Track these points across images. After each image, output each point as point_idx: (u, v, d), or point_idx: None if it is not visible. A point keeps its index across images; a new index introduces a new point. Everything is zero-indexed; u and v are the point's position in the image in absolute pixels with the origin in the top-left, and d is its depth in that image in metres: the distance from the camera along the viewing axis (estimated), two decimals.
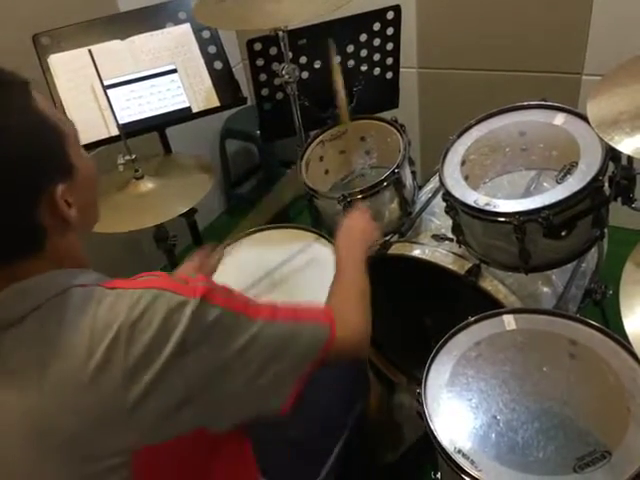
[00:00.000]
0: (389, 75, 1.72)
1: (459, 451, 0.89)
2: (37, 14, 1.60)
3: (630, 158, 1.11)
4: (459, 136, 1.26)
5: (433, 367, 1.04)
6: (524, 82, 1.98)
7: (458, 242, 1.27)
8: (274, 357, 0.72)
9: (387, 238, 1.41)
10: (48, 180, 0.65)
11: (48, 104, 0.68)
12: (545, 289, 1.34)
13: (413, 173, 1.43)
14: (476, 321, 1.09)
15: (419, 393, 0.99)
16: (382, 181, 1.29)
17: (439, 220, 1.43)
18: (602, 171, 1.05)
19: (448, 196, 1.17)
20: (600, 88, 0.95)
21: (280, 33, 1.39)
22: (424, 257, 1.32)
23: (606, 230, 1.52)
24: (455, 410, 0.97)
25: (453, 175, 1.21)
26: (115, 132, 1.35)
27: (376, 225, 1.16)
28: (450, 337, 1.07)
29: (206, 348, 0.65)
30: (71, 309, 0.64)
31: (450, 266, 1.29)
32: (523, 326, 1.08)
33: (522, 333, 1.07)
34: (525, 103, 1.24)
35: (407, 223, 1.41)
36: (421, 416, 0.96)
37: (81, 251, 0.72)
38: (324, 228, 1.44)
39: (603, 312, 1.42)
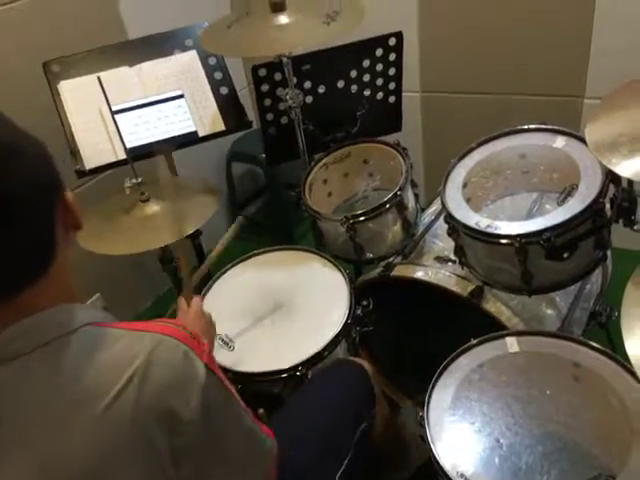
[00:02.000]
0: (392, 99, 1.75)
1: (462, 475, 0.89)
2: (48, 41, 1.64)
3: (630, 181, 1.12)
4: (460, 159, 1.27)
5: (435, 390, 1.03)
6: (526, 105, 2.01)
7: (461, 264, 1.27)
8: (243, 445, 0.79)
9: (390, 260, 1.42)
10: (58, 186, 0.68)
11: None
12: (549, 311, 1.34)
13: (416, 195, 1.44)
14: (479, 343, 1.08)
15: (422, 416, 0.99)
16: (384, 203, 1.31)
17: (442, 242, 1.43)
18: (602, 193, 1.06)
19: (450, 218, 1.18)
20: (599, 111, 0.97)
21: (284, 59, 1.42)
22: (427, 279, 1.32)
23: (610, 252, 1.54)
24: (458, 434, 0.96)
25: (455, 197, 1.22)
26: (122, 156, 1.37)
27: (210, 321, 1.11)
28: (452, 360, 1.07)
29: (202, 415, 0.68)
30: (85, 349, 0.65)
31: (453, 288, 1.29)
32: (526, 348, 1.07)
33: (525, 355, 1.07)
34: (525, 126, 1.25)
35: (410, 245, 1.42)
36: (424, 439, 0.96)
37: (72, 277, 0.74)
38: (327, 250, 1.45)
39: (609, 335, 1.41)
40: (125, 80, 1.47)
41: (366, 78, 1.66)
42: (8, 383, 0.64)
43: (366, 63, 1.63)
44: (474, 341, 1.08)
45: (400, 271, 1.37)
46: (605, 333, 1.41)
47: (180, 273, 1.25)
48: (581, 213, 1.05)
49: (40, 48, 1.57)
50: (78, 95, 1.42)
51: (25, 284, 0.65)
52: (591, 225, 1.08)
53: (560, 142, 1.19)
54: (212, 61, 1.57)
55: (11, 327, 0.64)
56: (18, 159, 0.62)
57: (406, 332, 1.49)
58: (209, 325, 1.09)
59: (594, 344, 1.05)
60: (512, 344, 1.08)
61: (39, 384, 0.63)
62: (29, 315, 0.65)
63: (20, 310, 0.65)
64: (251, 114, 1.64)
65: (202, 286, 1.37)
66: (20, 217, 0.62)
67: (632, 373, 0.95)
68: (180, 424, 0.66)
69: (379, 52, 1.63)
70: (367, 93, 1.69)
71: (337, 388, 1.14)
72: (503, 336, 1.09)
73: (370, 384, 1.17)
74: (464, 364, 1.07)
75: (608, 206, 1.14)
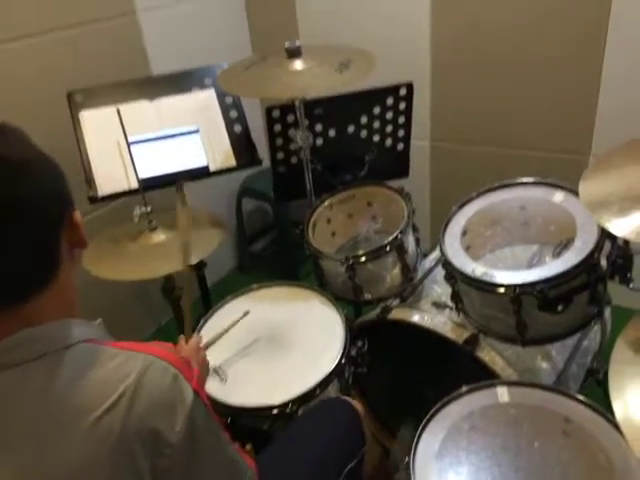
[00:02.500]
0: (400, 146, 1.80)
1: None
2: (74, 72, 1.73)
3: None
4: (460, 207, 1.30)
5: (424, 436, 1.03)
6: (533, 160, 2.05)
7: (457, 310, 1.28)
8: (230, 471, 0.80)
9: (388, 303, 1.43)
10: (68, 205, 0.73)
11: None
12: (544, 365, 1.33)
13: (417, 240, 1.46)
14: (469, 391, 1.08)
15: (408, 462, 0.98)
16: (385, 246, 1.33)
17: (441, 288, 1.44)
18: (597, 249, 1.07)
19: (447, 264, 1.20)
20: (593, 169, 0.99)
21: (296, 102, 1.48)
22: (423, 324, 1.33)
23: (610, 309, 1.53)
24: None
25: (453, 245, 1.24)
26: (135, 185, 1.42)
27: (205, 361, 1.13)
28: (442, 406, 1.07)
29: (188, 439, 0.70)
30: (79, 364, 0.68)
31: (448, 334, 1.30)
32: (517, 399, 1.07)
33: (515, 406, 1.06)
34: (525, 180, 1.28)
35: (409, 289, 1.43)
36: None
37: (76, 293, 0.77)
38: (327, 289, 1.46)
39: (606, 392, 1.39)
40: (144, 113, 1.54)
41: (376, 125, 1.72)
42: (4, 389, 0.66)
43: (377, 110, 1.69)
44: (464, 389, 1.08)
45: (397, 314, 1.38)
46: (602, 390, 1.39)
47: (182, 303, 1.27)
48: (575, 267, 1.06)
49: (66, 78, 1.65)
50: (97, 125, 1.48)
51: (28, 294, 0.68)
52: (586, 279, 1.09)
53: (559, 197, 1.22)
54: (228, 100, 1.63)
55: (13, 336, 0.67)
56: (31, 173, 0.67)
57: (400, 375, 1.48)
58: (202, 363, 1.11)
59: (586, 400, 1.04)
60: (503, 394, 1.08)
61: (33, 394, 0.66)
62: (30, 326, 0.67)
63: (21, 320, 0.68)
64: (266, 152, 1.70)
65: (200, 317, 1.38)
66: (27, 228, 0.66)
67: (620, 430, 0.94)
68: (164, 446, 0.68)
69: (390, 101, 1.69)
70: (376, 139, 1.75)
71: (327, 426, 1.13)
72: (494, 385, 1.09)
73: (360, 424, 1.16)
74: (454, 411, 1.06)
75: (604, 262, 1.16)
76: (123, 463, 0.65)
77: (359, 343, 1.30)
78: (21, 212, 0.65)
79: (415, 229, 1.45)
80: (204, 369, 1.12)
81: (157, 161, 1.52)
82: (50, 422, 0.65)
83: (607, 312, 1.53)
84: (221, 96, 1.63)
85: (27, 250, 0.67)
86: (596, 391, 1.40)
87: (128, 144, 1.34)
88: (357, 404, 1.20)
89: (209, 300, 1.75)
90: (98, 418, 0.64)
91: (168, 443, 0.68)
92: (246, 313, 1.29)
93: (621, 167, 0.99)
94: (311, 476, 1.03)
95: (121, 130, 1.32)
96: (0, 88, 1.59)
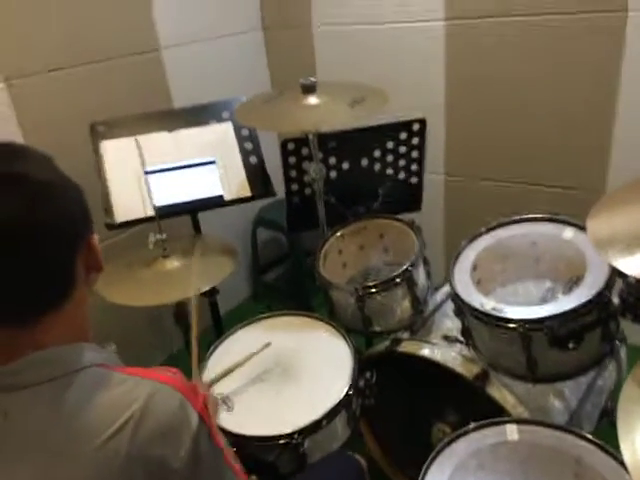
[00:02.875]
0: (414, 180, 1.81)
1: None
2: (99, 104, 1.80)
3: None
4: (471, 242, 1.30)
5: (430, 473, 1.01)
6: (547, 196, 2.05)
7: (467, 345, 1.27)
8: None
9: (398, 335, 1.43)
10: (87, 228, 0.75)
11: None
12: (557, 403, 1.31)
13: (428, 273, 1.47)
14: (477, 428, 1.06)
15: None
16: (394, 277, 1.34)
17: (451, 322, 1.43)
18: (607, 286, 1.06)
19: (456, 298, 1.20)
20: (601, 206, 0.99)
21: (310, 136, 1.51)
22: (433, 357, 1.32)
23: (626, 349, 1.51)
24: None
25: (463, 279, 1.24)
26: (151, 213, 1.45)
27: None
28: (449, 443, 1.05)
29: (192, 462, 0.71)
30: (88, 388, 0.69)
31: (458, 369, 1.28)
32: (526, 438, 1.05)
33: (525, 445, 1.04)
34: (536, 215, 1.29)
35: (419, 322, 1.43)
36: None
37: (88, 316, 0.78)
38: (337, 319, 1.46)
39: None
40: (163, 144, 1.59)
41: (389, 158, 1.75)
42: (15, 410, 0.67)
43: (390, 145, 1.72)
44: (472, 425, 1.06)
45: (407, 347, 1.37)
46: (617, 431, 1.35)
47: (190, 334, 1.28)
48: (585, 304, 1.05)
49: (91, 111, 1.72)
50: (117, 154, 1.53)
51: (41, 315, 0.70)
52: (597, 317, 1.08)
53: (569, 233, 1.22)
54: (245, 132, 1.68)
55: (25, 357, 0.68)
56: (52, 194, 0.69)
57: (410, 409, 1.46)
58: (212, 405, 1.12)
59: (598, 441, 1.02)
60: (512, 432, 1.06)
61: (41, 416, 0.67)
62: (40, 347, 0.69)
63: (32, 341, 0.69)
64: (281, 184, 1.73)
65: (210, 344, 1.39)
66: (44, 247, 0.68)
67: None
68: (168, 472, 0.68)
69: (403, 135, 1.72)
70: (389, 172, 1.77)
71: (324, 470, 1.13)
72: (503, 422, 1.07)
73: (362, 468, 1.16)
74: (461, 448, 1.05)
75: (617, 300, 1.14)
76: None
77: (367, 375, 1.29)
78: (39, 232, 0.67)
79: (426, 262, 1.45)
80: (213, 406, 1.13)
81: (173, 190, 1.56)
82: (57, 444, 0.66)
83: (623, 351, 1.50)
84: (238, 129, 1.68)
85: (43, 270, 0.69)
86: (611, 432, 1.36)
87: (146, 174, 1.38)
88: (362, 460, 1.21)
89: (221, 328, 1.75)
90: (104, 442, 0.65)
91: (172, 469, 0.68)
92: (267, 345, 1.29)
93: (629, 204, 0.99)
94: None
95: (139, 159, 1.36)
96: (27, 117, 1.66)
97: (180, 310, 1.48)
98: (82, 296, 0.74)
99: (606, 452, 0.99)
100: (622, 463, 0.96)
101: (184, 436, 0.70)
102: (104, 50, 1.85)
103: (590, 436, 1.02)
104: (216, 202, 1.59)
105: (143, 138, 1.46)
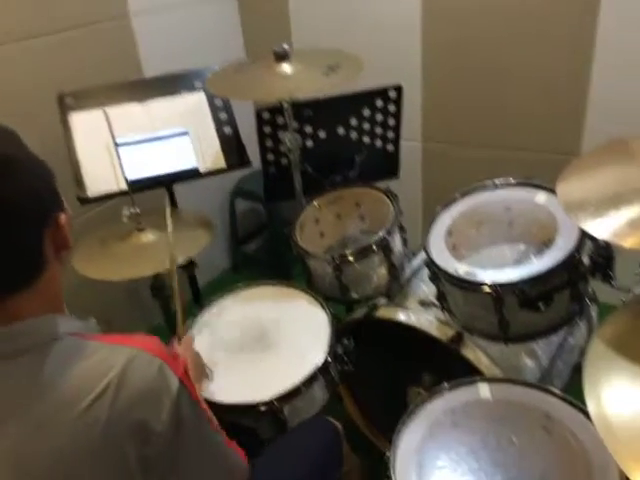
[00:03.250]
0: (390, 148, 1.81)
1: None
2: (67, 75, 1.75)
3: None
4: (445, 207, 1.31)
5: (405, 431, 1.04)
6: (523, 160, 2.06)
7: (442, 309, 1.30)
8: (214, 458, 0.82)
9: (375, 301, 1.45)
10: (55, 206, 0.74)
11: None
12: (529, 362, 1.35)
13: (404, 240, 1.48)
14: (451, 388, 1.10)
15: (388, 457, 0.99)
16: (371, 245, 1.35)
17: (428, 287, 1.45)
18: (577, 248, 1.09)
19: (431, 264, 1.22)
20: (572, 170, 1.01)
21: (285, 104, 1.49)
22: (409, 322, 1.34)
23: (597, 307, 1.55)
24: (423, 475, 0.97)
25: (438, 244, 1.25)
26: (124, 187, 1.43)
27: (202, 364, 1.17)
28: (424, 403, 1.08)
29: (173, 428, 0.71)
30: (64, 358, 0.69)
31: (434, 332, 1.31)
32: (498, 396, 1.08)
33: (497, 403, 1.08)
34: (510, 180, 1.30)
35: (396, 288, 1.45)
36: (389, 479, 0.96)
37: (61, 291, 0.78)
38: (316, 288, 1.48)
39: None
40: (134, 115, 1.55)
41: (366, 126, 1.74)
42: None
43: (366, 112, 1.71)
44: (446, 385, 1.09)
45: (384, 313, 1.39)
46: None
47: (173, 304, 1.28)
48: (556, 266, 1.07)
49: (58, 81, 1.67)
50: (87, 127, 1.50)
51: (12, 290, 0.70)
52: (566, 278, 1.10)
53: (542, 197, 1.23)
54: (218, 102, 1.65)
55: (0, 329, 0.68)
56: (15, 171, 0.68)
57: (389, 373, 1.50)
58: (197, 362, 1.13)
59: (566, 396, 1.06)
60: (484, 391, 1.09)
61: (20, 386, 0.68)
62: (15, 320, 0.69)
63: (4, 316, 0.69)
64: (256, 154, 1.71)
65: (189, 316, 1.40)
66: (8, 225, 0.67)
67: None
68: (151, 435, 0.70)
69: (379, 103, 1.71)
70: (366, 140, 1.76)
71: (306, 448, 1.16)
72: (475, 382, 1.10)
73: (340, 445, 1.21)
74: (436, 408, 1.08)
75: (587, 261, 1.17)
76: (110, 452, 0.67)
77: (346, 341, 1.31)
78: (3, 209, 0.66)
79: (402, 229, 1.46)
80: (198, 366, 1.13)
81: (147, 163, 1.53)
82: (36, 415, 0.67)
83: (594, 310, 1.54)
84: (211, 98, 1.65)
85: (7, 249, 0.68)
86: (582, 388, 1.41)
87: (116, 146, 1.36)
88: (337, 424, 1.24)
89: (200, 300, 1.76)
90: (84, 410, 0.66)
91: (154, 431, 0.69)
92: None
93: (598, 168, 1.00)
94: None
95: (109, 132, 1.33)
96: None
97: (157, 283, 1.48)
98: (53, 274, 0.74)
99: (574, 406, 1.03)
100: (589, 416, 1.00)
101: (164, 399, 0.71)
102: (72, 17, 1.78)
103: (558, 392, 1.06)
104: (191, 174, 1.58)
105: (113, 109, 1.43)
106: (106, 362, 0.69)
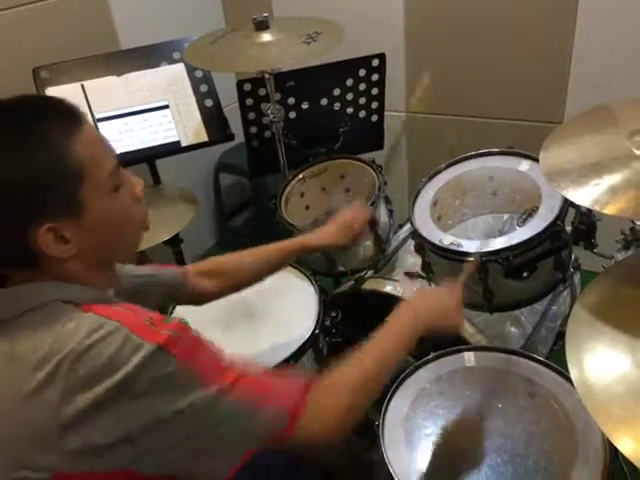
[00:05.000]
0: (374, 118, 1.79)
1: None
2: (41, 48, 1.69)
3: None
4: (430, 178, 1.31)
5: (393, 400, 1.06)
6: (508, 129, 2.06)
7: (428, 280, 1.31)
8: (215, 428, 0.70)
9: (362, 274, 1.45)
10: (39, 213, 0.67)
11: (88, 143, 0.71)
12: (513, 330, 1.37)
13: (390, 212, 1.48)
14: (437, 357, 1.11)
15: (377, 425, 1.01)
16: None
17: (414, 258, 1.46)
18: (560, 216, 1.09)
19: (416, 235, 1.22)
20: (554, 137, 1.01)
21: (266, 75, 1.47)
22: (395, 293, 1.35)
23: (580, 275, 1.57)
24: (411, 442, 0.99)
25: (423, 215, 1.25)
26: None
27: (459, 312, 1.02)
28: (411, 373, 1.10)
29: (148, 398, 0.65)
30: (43, 322, 0.67)
31: None
32: (483, 363, 1.10)
33: (481, 370, 1.10)
34: (493, 150, 1.30)
35: (382, 260, 1.46)
36: (378, 447, 0.98)
37: (92, 276, 0.74)
38: (302, 261, 1.48)
39: None
40: (112, 89, 1.51)
41: (349, 97, 1.71)
42: None
43: (349, 82, 1.69)
44: (432, 355, 1.11)
45: (370, 285, 1.40)
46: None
47: None
48: (539, 234, 1.08)
49: (33, 54, 1.61)
50: None
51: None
52: (549, 246, 1.11)
53: (525, 166, 1.23)
54: (198, 74, 1.61)
55: None
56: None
57: None
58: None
59: (549, 362, 1.08)
60: (469, 359, 1.11)
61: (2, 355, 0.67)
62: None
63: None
64: (240, 127, 1.68)
65: None
66: None
67: None
68: (123, 398, 0.64)
69: (362, 72, 1.68)
70: (350, 111, 1.74)
71: None
72: (460, 351, 1.12)
73: None
74: (423, 377, 1.10)
75: (570, 229, 1.18)
76: (71, 428, 0.63)
77: (334, 314, 1.32)
78: None
79: (388, 201, 1.46)
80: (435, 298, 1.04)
81: (127, 137, 1.50)
82: (8, 382, 0.66)
83: (577, 277, 1.57)
84: (191, 70, 1.61)
85: None
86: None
87: (95, 121, 1.33)
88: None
89: None
90: (40, 382, 0.64)
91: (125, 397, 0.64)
92: None
93: (581, 135, 1.00)
94: None
95: (87, 106, 1.30)
96: None
97: (141, 260, 1.47)
98: (60, 264, 0.70)
99: (556, 372, 1.06)
100: (571, 381, 1.02)
101: (132, 361, 0.64)
102: None
103: (541, 358, 1.08)
104: (172, 149, 1.55)
105: (90, 83, 1.39)
106: (76, 331, 0.65)
